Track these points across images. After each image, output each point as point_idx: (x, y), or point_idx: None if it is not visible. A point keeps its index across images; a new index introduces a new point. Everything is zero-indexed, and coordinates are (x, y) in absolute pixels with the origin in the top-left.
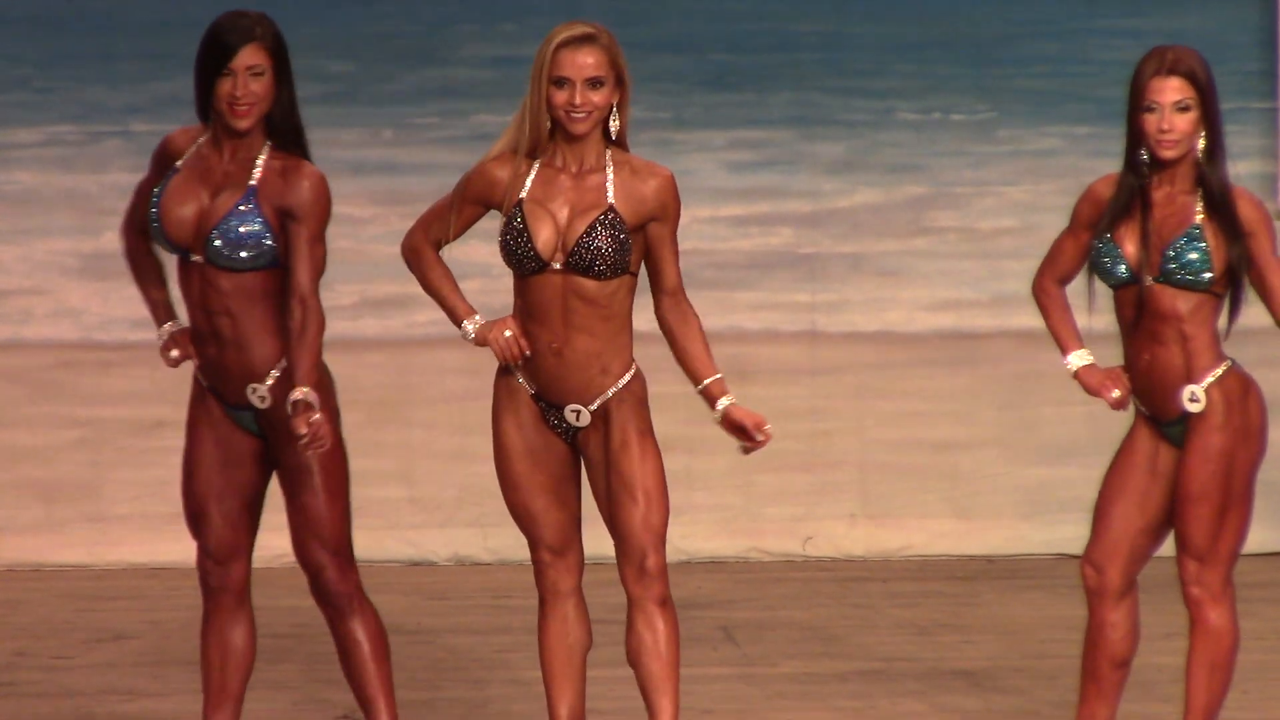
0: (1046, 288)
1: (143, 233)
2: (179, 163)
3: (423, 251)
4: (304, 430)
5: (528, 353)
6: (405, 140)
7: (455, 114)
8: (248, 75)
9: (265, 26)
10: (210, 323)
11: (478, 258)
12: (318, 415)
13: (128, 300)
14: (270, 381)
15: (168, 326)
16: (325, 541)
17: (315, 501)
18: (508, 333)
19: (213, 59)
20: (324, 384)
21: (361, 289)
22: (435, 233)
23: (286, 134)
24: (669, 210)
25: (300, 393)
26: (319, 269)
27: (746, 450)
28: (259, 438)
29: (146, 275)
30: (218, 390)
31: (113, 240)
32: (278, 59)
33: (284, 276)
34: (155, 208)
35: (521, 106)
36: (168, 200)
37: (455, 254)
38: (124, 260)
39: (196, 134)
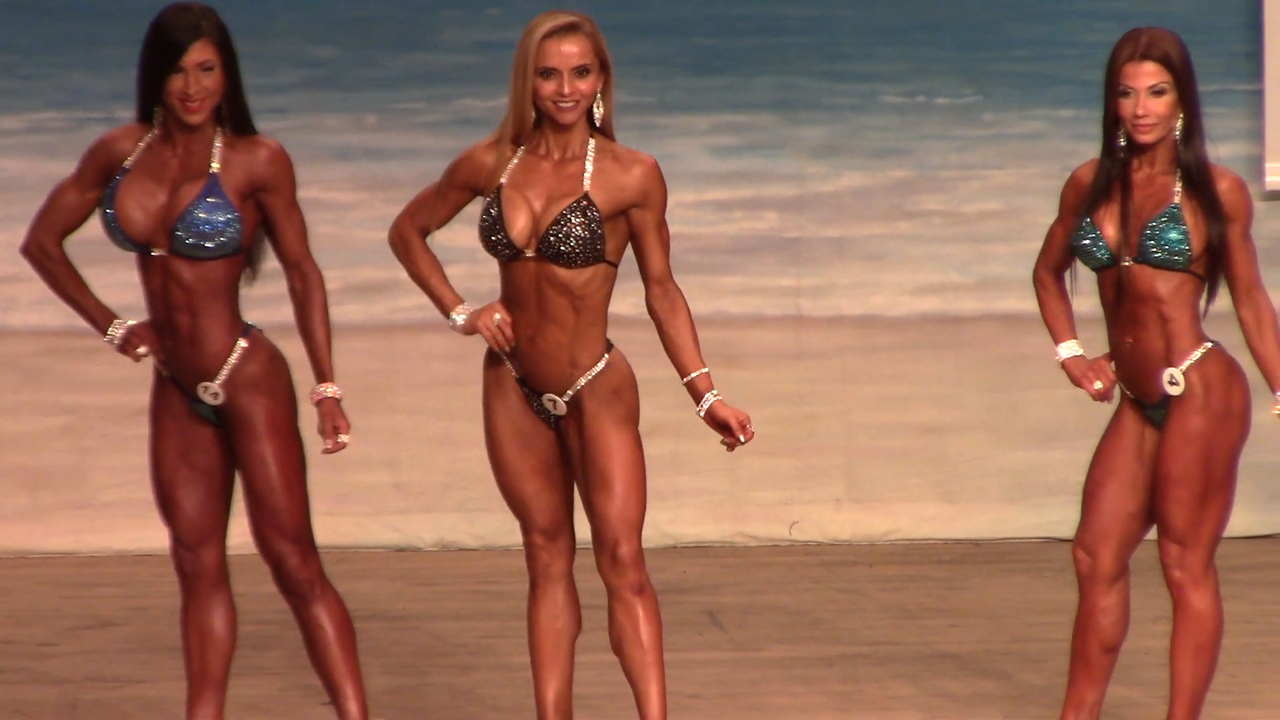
0: (1041, 277)
1: (62, 237)
2: (127, 162)
3: (410, 240)
4: (328, 448)
5: (513, 342)
6: (389, 125)
7: (439, 99)
8: (199, 71)
9: (211, 20)
10: (170, 317)
11: (463, 243)
12: (345, 439)
13: (113, 286)
14: (221, 379)
15: (120, 325)
16: (285, 531)
17: (272, 492)
18: (497, 316)
19: (162, 57)
20: (278, 369)
21: (345, 274)
22: (421, 220)
23: (236, 120)
24: (651, 198)
25: (326, 389)
26: (304, 233)
27: (729, 447)
28: (220, 425)
29: (69, 282)
30: (176, 380)
31: (95, 226)
32: (225, 51)
33: (244, 262)
34: (109, 209)
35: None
36: (123, 199)
37: (440, 239)
38: (29, 262)
39: (139, 133)
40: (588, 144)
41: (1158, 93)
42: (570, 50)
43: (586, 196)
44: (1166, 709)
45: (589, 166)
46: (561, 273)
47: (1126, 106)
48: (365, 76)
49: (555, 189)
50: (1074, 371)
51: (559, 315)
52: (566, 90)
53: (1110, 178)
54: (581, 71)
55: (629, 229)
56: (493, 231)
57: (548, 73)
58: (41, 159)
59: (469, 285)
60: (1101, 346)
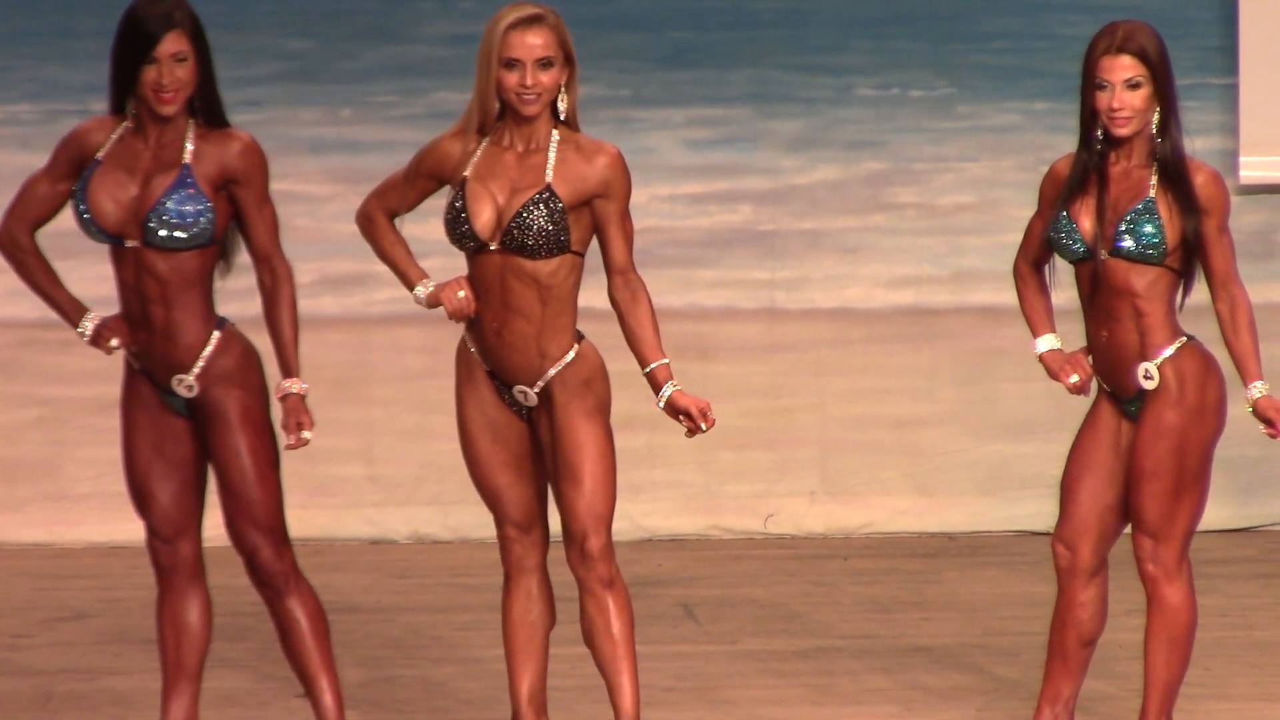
0: (1021, 270)
1: (34, 228)
2: (100, 154)
3: (376, 219)
4: (291, 444)
5: (471, 315)
6: (364, 118)
7: (414, 92)
8: (172, 62)
9: (183, 11)
10: (143, 309)
11: (438, 235)
12: (308, 435)
13: (87, 280)
14: (196, 371)
15: (91, 318)
16: (258, 523)
17: (245, 484)
18: (461, 293)
19: (135, 48)
20: (251, 362)
21: (321, 267)
22: (390, 202)
23: (209, 112)
24: (614, 188)
25: (291, 385)
26: (275, 228)
27: (690, 433)
28: (190, 417)
29: (40, 274)
30: (148, 373)
31: (68, 219)
32: (198, 42)
33: (218, 253)
34: (82, 201)
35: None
36: (95, 191)
37: (414, 231)
38: (1, 253)
39: (112, 124)
40: (551, 135)
41: (1134, 86)
42: (534, 42)
43: (549, 188)
44: (1140, 702)
45: (551, 158)
46: (527, 264)
47: (1103, 100)
48: (340, 69)
49: (518, 181)
50: (1051, 365)
51: (525, 307)
52: (529, 82)
53: (1087, 171)
54: (545, 63)
55: (592, 219)
56: (457, 225)
57: (511, 64)
58: (15, 151)
59: (442, 279)
60: (1079, 340)
